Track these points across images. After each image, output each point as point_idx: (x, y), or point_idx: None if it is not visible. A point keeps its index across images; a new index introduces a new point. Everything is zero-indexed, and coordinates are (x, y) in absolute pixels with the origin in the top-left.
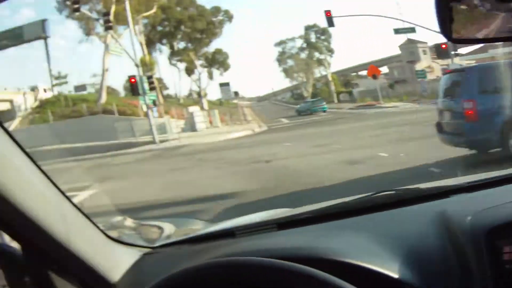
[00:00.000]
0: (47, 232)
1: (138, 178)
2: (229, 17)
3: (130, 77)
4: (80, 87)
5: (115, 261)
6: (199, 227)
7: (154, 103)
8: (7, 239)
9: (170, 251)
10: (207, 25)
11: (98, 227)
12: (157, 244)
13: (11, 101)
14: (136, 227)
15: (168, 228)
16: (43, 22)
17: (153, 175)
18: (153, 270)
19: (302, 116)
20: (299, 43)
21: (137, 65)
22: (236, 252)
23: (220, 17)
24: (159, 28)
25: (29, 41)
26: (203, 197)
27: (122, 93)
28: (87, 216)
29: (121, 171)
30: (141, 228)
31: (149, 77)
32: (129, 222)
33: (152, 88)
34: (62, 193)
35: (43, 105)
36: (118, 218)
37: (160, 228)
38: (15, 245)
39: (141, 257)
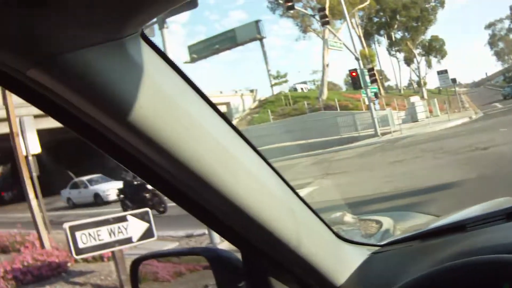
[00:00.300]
0: (276, 234)
1: (359, 172)
2: (441, 2)
3: (351, 71)
4: (300, 85)
5: (343, 262)
6: (418, 221)
7: (375, 95)
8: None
9: (399, 249)
10: (421, 12)
11: (327, 225)
12: (384, 242)
13: (227, 104)
14: (355, 223)
15: (387, 222)
16: (256, 23)
17: (373, 169)
18: (383, 270)
19: (507, 100)
20: (507, 24)
21: (357, 59)
22: (473, 248)
23: (432, 3)
24: (375, 20)
25: (243, 43)
26: (421, 189)
27: (343, 87)
28: (317, 214)
29: (342, 166)
30: (360, 224)
31: (370, 70)
32: (348, 217)
33: (373, 81)
34: (294, 192)
35: (262, 105)
36: (337, 213)
37: (378, 222)
38: (222, 246)
39: (369, 257)
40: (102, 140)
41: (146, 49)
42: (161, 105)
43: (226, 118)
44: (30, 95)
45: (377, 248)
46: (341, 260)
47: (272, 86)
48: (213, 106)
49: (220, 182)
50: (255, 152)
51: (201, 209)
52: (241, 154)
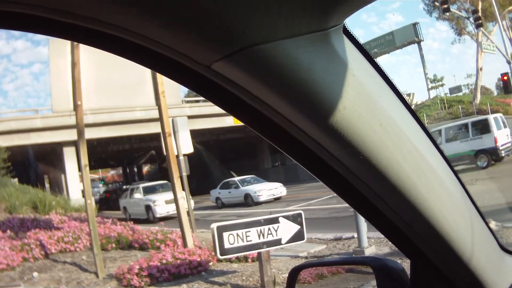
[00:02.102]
0: (453, 245)
1: (505, 178)
2: None
3: (503, 75)
4: (455, 89)
5: (503, 274)
6: None
7: None
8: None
9: None
10: None
11: (494, 234)
12: None
13: None
14: (498, 230)
15: None
16: (414, 25)
17: None
18: None
19: None
20: None
21: (509, 62)
22: None
23: None
24: None
25: (401, 46)
26: None
27: (495, 92)
28: (486, 223)
29: (490, 172)
30: (503, 231)
31: None
32: (492, 225)
33: None
34: (471, 199)
35: (419, 109)
36: None
37: None
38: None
39: None
40: (285, 138)
41: (348, 44)
42: (364, 107)
43: (420, 120)
44: (207, 90)
45: None
46: (502, 272)
47: (429, 90)
48: (410, 108)
49: (414, 190)
50: (443, 157)
51: (380, 215)
52: (433, 161)
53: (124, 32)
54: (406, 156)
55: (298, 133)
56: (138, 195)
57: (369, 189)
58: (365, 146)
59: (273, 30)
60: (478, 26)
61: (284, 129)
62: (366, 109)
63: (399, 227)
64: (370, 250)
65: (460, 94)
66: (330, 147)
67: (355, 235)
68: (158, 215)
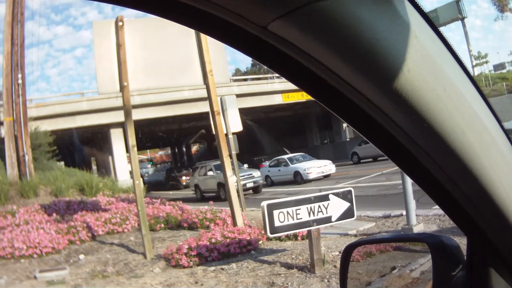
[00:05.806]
0: (509, 219)
1: None
2: None
3: None
4: (499, 66)
5: None
6: None
7: None
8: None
9: None
10: None
11: None
12: None
13: None
14: None
15: None
16: (457, 2)
17: None
18: None
19: None
20: None
21: None
22: None
23: None
24: None
25: (445, 24)
26: None
27: None
28: None
29: None
30: None
31: None
32: None
33: None
34: None
35: None
36: None
37: None
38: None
39: None
40: (343, 104)
41: (409, 5)
42: (428, 71)
43: (480, 89)
44: (263, 54)
45: None
46: None
47: (473, 67)
48: (471, 76)
49: (477, 161)
50: (502, 129)
51: (440, 188)
52: (494, 132)
53: None
54: (470, 125)
55: (358, 97)
56: (210, 173)
57: (430, 159)
58: (429, 112)
59: None
60: None
61: (342, 94)
62: (430, 73)
63: (458, 201)
64: (418, 228)
65: (504, 71)
66: (392, 113)
67: (404, 212)
68: None
